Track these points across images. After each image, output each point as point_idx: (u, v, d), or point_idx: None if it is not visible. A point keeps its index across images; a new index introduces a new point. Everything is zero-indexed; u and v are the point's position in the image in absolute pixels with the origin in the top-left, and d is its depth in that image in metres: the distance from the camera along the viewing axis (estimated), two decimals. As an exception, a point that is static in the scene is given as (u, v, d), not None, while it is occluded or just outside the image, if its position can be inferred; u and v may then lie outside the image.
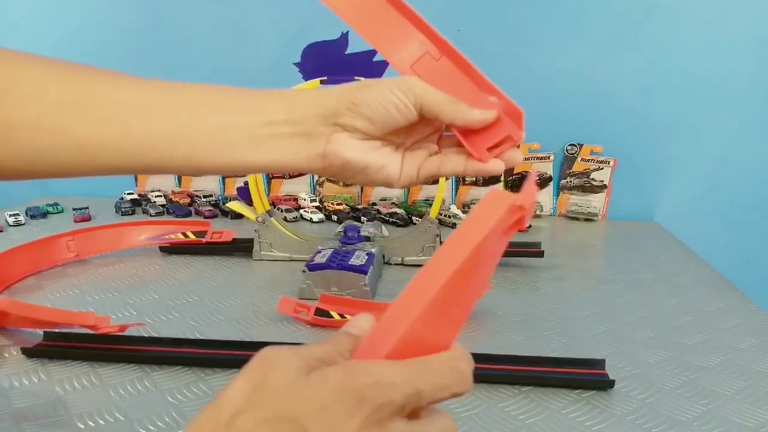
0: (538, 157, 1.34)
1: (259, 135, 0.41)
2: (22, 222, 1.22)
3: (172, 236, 1.06)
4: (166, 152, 0.39)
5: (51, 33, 1.41)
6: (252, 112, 0.41)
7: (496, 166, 0.43)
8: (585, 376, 0.63)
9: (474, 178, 1.35)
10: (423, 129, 0.46)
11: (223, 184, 1.46)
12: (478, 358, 0.69)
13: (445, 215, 1.26)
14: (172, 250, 1.06)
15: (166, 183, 1.48)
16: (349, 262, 0.86)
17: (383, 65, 0.88)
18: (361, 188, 1.41)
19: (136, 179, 1.48)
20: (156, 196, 1.39)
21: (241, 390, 0.24)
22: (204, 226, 1.07)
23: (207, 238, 1.05)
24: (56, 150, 0.37)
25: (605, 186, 1.33)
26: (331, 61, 0.88)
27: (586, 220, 1.33)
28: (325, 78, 0.89)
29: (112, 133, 0.38)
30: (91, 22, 1.39)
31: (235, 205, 1.05)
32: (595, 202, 1.34)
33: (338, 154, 0.42)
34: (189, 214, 1.32)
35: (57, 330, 0.70)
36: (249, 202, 1.00)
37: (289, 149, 0.42)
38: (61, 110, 0.37)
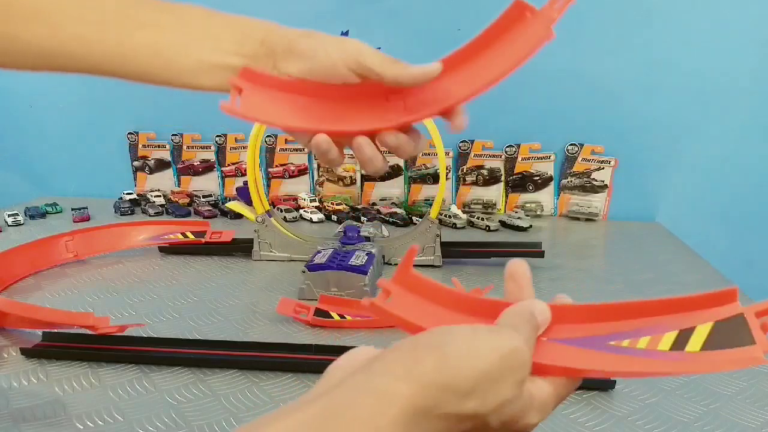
0: (538, 157, 1.34)
1: (207, 61, 0.43)
2: (21, 222, 1.22)
3: (171, 236, 1.05)
4: (119, 66, 0.42)
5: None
6: (205, 39, 0.43)
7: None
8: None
9: (475, 178, 1.35)
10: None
11: (223, 184, 1.46)
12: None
13: (445, 215, 1.26)
14: (171, 250, 1.05)
15: (166, 183, 1.47)
16: (349, 263, 0.85)
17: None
18: (361, 188, 1.41)
19: (135, 179, 1.48)
20: (155, 196, 1.38)
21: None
22: (203, 226, 1.07)
23: (206, 238, 1.05)
24: (25, 53, 0.42)
25: (606, 186, 1.33)
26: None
27: (587, 220, 1.32)
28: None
29: (71, 43, 0.41)
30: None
31: (235, 205, 1.04)
32: (596, 202, 1.34)
33: None
34: (188, 214, 1.32)
35: (56, 330, 0.70)
36: (248, 202, 1.00)
37: (231, 75, 0.43)
38: (30, 20, 0.41)
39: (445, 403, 0.26)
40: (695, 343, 0.29)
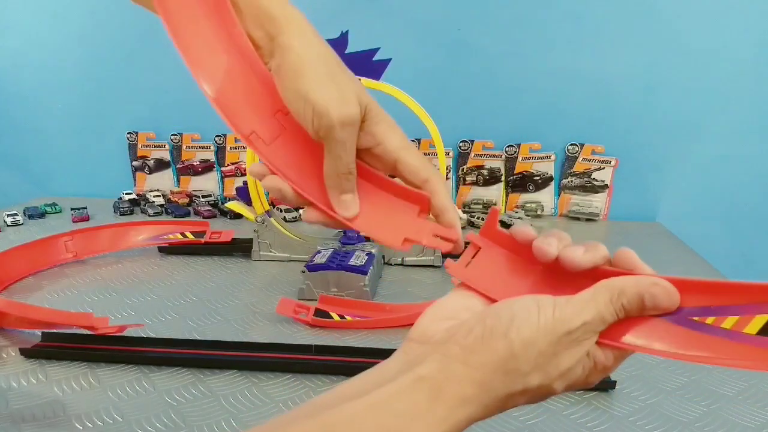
0: (539, 157, 1.34)
1: None
2: (20, 222, 1.22)
3: (171, 236, 1.05)
4: None
5: (51, 32, 1.40)
6: None
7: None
8: (586, 377, 0.63)
9: (475, 178, 1.35)
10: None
11: (222, 184, 1.45)
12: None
13: (445, 215, 1.25)
14: (170, 250, 1.05)
15: (165, 183, 1.47)
16: (349, 263, 0.85)
17: (383, 65, 0.88)
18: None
19: (134, 179, 1.48)
20: (154, 196, 1.38)
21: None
22: (203, 226, 1.07)
23: (206, 238, 1.05)
24: None
25: (606, 186, 1.33)
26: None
27: (588, 220, 1.32)
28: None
29: None
30: (87, 23, 1.39)
31: (234, 205, 1.04)
32: (597, 202, 1.34)
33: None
34: (188, 214, 1.32)
35: (55, 330, 0.70)
36: (248, 202, 1.00)
37: None
38: None
39: (512, 383, 0.30)
40: None
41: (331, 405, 0.30)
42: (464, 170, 1.35)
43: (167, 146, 1.45)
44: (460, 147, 1.34)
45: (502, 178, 1.35)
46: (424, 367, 0.30)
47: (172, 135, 1.44)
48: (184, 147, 1.44)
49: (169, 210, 1.33)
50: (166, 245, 1.05)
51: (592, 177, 1.33)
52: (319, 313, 0.77)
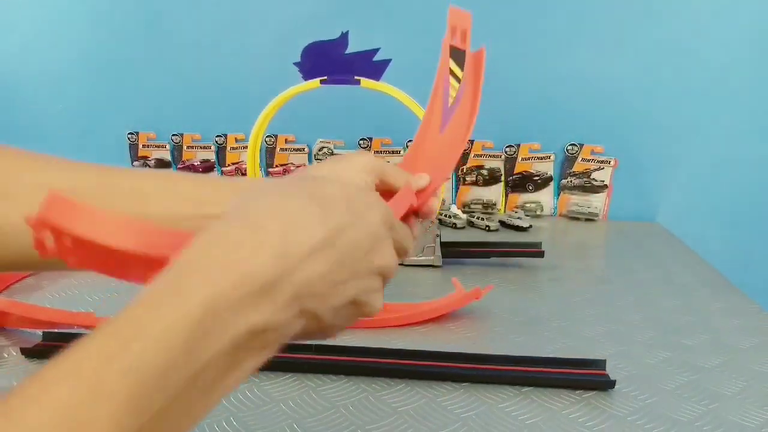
0: (538, 157, 1.34)
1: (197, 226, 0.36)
2: (22, 222, 1.22)
3: (172, 236, 1.05)
4: None
5: (51, 32, 1.40)
6: (193, 200, 0.41)
7: None
8: (585, 377, 0.63)
9: (474, 178, 1.35)
10: None
11: (223, 184, 1.45)
12: (478, 358, 0.69)
13: (446, 215, 1.26)
14: (171, 250, 1.05)
15: (166, 183, 1.47)
16: (349, 263, 0.85)
17: (383, 65, 0.88)
18: (361, 188, 1.40)
19: (135, 179, 1.48)
20: (156, 196, 1.38)
21: None
22: (204, 226, 1.06)
23: (207, 238, 1.04)
24: None
25: (606, 186, 1.33)
26: (330, 61, 0.87)
27: (587, 220, 1.32)
28: (325, 78, 0.88)
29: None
30: (87, 23, 1.39)
31: (235, 205, 1.04)
32: (596, 202, 1.34)
33: None
34: (189, 214, 1.32)
35: (56, 330, 0.70)
36: (249, 202, 1.00)
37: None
38: None
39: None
40: (457, 74, 0.48)
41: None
42: (464, 170, 1.36)
43: (168, 146, 1.45)
44: (460, 147, 1.34)
45: (502, 178, 1.35)
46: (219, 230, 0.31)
47: (172, 135, 1.44)
48: (184, 147, 1.44)
49: (169, 210, 1.33)
50: (167, 245, 1.05)
51: (592, 177, 1.33)
52: (320, 312, 0.77)
